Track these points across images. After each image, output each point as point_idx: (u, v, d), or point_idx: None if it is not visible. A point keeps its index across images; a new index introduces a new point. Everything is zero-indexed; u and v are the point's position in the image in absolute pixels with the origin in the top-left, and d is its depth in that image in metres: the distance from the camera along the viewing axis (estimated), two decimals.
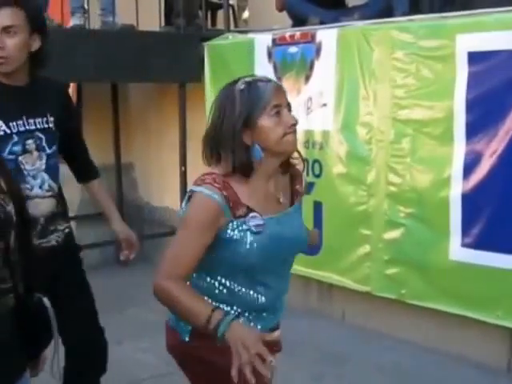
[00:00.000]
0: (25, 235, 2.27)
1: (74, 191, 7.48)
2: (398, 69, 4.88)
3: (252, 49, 5.81)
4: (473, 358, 4.81)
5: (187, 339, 2.56)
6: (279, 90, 2.52)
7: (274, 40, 5.65)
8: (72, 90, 7.39)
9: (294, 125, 2.50)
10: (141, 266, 7.44)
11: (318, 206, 5.46)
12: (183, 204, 2.52)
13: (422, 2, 5.23)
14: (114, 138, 7.43)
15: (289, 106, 2.52)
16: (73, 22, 6.00)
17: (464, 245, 4.66)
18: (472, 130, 4.56)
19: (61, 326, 2.47)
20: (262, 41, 5.75)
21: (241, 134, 2.44)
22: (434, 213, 4.80)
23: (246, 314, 2.54)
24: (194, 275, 2.53)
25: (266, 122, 2.45)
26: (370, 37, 5.00)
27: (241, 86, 2.47)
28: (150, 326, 5.65)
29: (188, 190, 2.52)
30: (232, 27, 6.83)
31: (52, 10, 6.05)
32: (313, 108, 5.41)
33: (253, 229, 2.45)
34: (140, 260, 7.50)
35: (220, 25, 7.22)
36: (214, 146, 2.50)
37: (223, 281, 2.53)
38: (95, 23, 6.29)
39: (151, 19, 6.52)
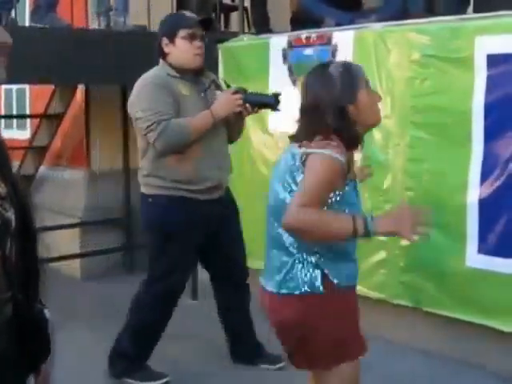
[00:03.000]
0: (27, 244, 2.17)
1: (78, 197, 7.46)
2: (415, 71, 4.81)
3: (267, 51, 5.74)
4: (493, 368, 4.70)
5: (322, 289, 2.86)
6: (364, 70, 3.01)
7: (289, 42, 5.59)
8: (80, 92, 7.32)
9: (380, 99, 3.06)
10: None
11: None
12: (297, 162, 2.83)
13: (437, 4, 5.16)
14: (122, 141, 7.34)
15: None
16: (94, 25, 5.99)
17: (481, 251, 4.58)
18: (490, 135, 4.49)
19: None
20: (278, 43, 5.69)
21: (348, 109, 2.84)
22: (451, 218, 4.72)
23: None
24: None
25: (364, 96, 2.90)
26: (387, 39, 4.93)
27: (339, 68, 2.90)
28: None
29: (306, 151, 2.81)
30: (246, 29, 6.77)
31: (62, 9, 6.02)
32: None
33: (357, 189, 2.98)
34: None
35: (234, 27, 7.16)
36: (318, 121, 2.85)
37: None
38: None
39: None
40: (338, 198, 2.81)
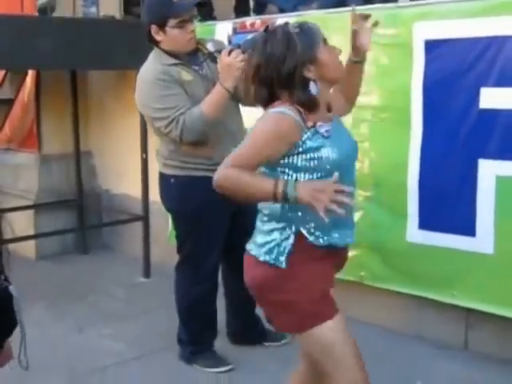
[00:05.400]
0: None
1: (31, 179, 7.51)
2: None
3: (212, 37, 5.80)
4: (431, 337, 4.92)
5: (284, 266, 2.84)
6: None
7: (234, 28, 5.70)
8: (31, 77, 7.35)
9: (340, 52, 2.93)
10: (100, 254, 7.48)
11: None
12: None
13: None
14: (72, 125, 7.40)
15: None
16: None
17: (421, 227, 4.77)
18: (429, 117, 4.67)
19: None
20: (223, 29, 5.78)
21: (303, 71, 2.77)
22: (392, 196, 4.91)
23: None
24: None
25: (324, 54, 2.83)
26: (328, 25, 5.02)
27: (295, 29, 2.83)
28: (111, 313, 5.72)
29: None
30: None
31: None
32: None
33: (324, 134, 2.78)
34: (99, 248, 7.58)
35: None
36: (272, 84, 2.82)
37: None
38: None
39: (111, 7, 6.54)
40: (301, 149, 2.76)
